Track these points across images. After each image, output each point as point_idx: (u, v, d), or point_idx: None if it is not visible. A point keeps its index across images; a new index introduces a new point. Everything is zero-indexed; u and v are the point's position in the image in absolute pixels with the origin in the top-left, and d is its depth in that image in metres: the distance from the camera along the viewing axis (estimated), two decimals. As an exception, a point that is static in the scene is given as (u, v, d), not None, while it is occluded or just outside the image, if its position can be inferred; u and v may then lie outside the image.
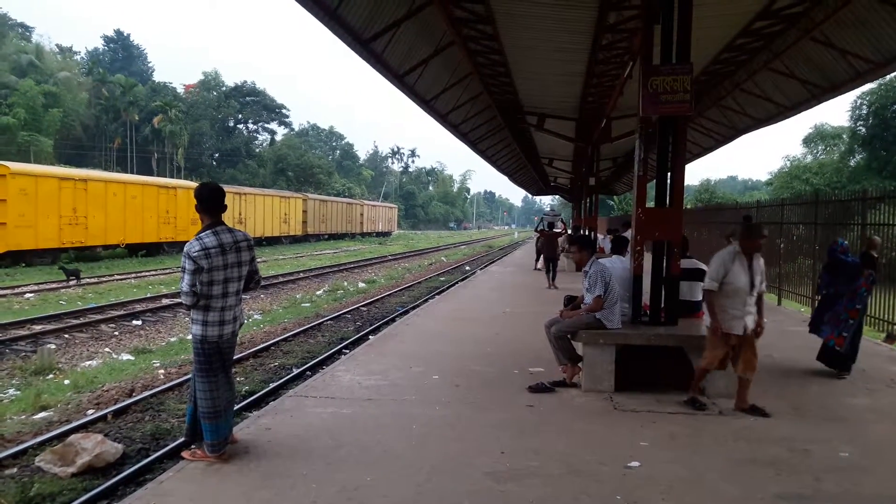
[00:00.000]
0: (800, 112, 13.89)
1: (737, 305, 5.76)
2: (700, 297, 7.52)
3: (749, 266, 5.78)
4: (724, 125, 17.71)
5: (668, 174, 7.11)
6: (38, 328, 12.44)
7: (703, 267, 7.81)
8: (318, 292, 19.70)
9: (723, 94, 14.84)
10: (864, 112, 39.03)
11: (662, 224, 7.03)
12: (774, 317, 11.56)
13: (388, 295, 18.66)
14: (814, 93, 12.54)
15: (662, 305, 7.01)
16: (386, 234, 70.61)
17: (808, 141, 48.63)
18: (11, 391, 8.53)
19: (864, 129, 39.74)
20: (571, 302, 7.10)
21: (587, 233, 20.74)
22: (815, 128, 48.40)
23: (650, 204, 7.46)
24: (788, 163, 48.10)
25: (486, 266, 27.75)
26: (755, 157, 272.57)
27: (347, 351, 10.14)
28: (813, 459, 4.79)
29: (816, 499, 4.12)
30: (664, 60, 7.00)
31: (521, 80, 14.38)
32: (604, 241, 18.68)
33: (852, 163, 41.74)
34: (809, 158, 47.93)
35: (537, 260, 22.23)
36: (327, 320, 13.86)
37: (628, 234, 11.81)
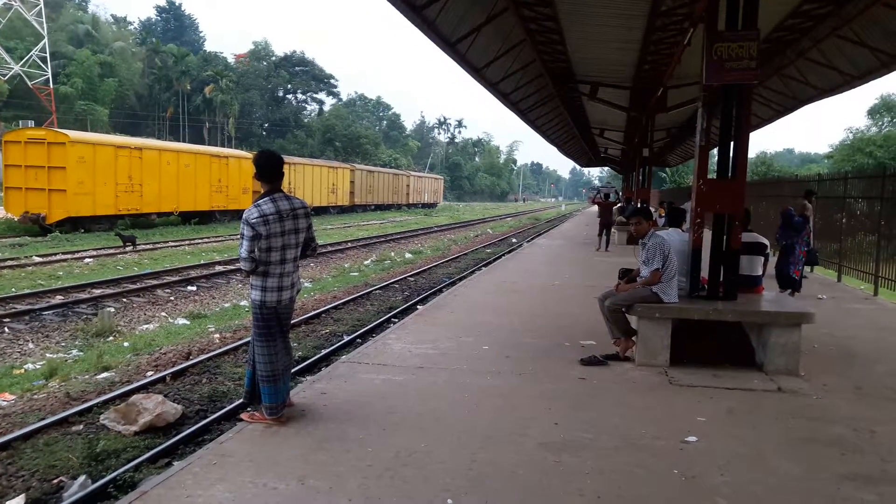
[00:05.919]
0: (868, 81, 13.20)
1: None
2: (760, 272, 7.33)
3: None
4: (786, 95, 17.03)
5: (731, 145, 6.87)
6: (97, 292, 12.88)
7: (764, 241, 7.59)
8: (365, 262, 19.88)
9: (785, 62, 14.20)
10: (936, 82, 37.14)
11: (724, 196, 6.81)
12: (834, 293, 11.22)
13: (434, 266, 18.70)
14: (884, 61, 11.92)
15: (721, 279, 6.82)
16: (432, 206, 70.60)
17: (873, 112, 46.58)
18: (75, 352, 8.89)
19: (934, 101, 37.87)
20: (626, 275, 6.96)
21: (640, 204, 20.31)
22: (882, 98, 46.30)
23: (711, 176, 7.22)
24: (851, 135, 46.11)
25: (532, 239, 27.55)
26: (813, 130, 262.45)
27: (397, 320, 10.19)
28: (879, 440, 4.63)
29: (884, 481, 3.99)
30: (729, 27, 6.73)
31: (575, 48, 14.04)
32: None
33: (921, 136, 39.85)
34: (874, 130, 45.91)
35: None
36: (376, 289, 13.97)
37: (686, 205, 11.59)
